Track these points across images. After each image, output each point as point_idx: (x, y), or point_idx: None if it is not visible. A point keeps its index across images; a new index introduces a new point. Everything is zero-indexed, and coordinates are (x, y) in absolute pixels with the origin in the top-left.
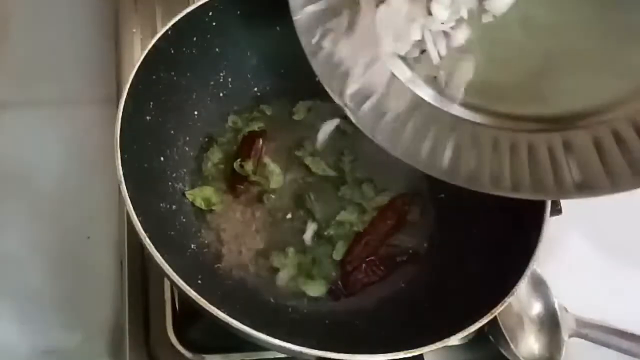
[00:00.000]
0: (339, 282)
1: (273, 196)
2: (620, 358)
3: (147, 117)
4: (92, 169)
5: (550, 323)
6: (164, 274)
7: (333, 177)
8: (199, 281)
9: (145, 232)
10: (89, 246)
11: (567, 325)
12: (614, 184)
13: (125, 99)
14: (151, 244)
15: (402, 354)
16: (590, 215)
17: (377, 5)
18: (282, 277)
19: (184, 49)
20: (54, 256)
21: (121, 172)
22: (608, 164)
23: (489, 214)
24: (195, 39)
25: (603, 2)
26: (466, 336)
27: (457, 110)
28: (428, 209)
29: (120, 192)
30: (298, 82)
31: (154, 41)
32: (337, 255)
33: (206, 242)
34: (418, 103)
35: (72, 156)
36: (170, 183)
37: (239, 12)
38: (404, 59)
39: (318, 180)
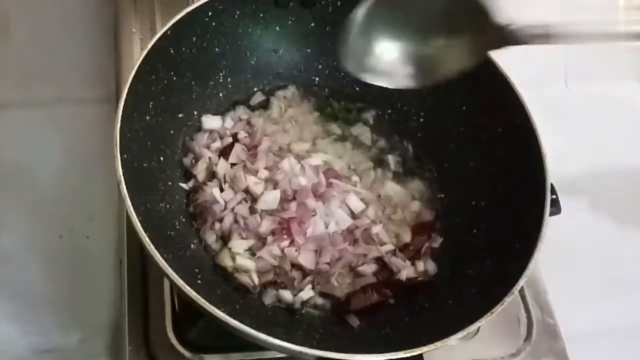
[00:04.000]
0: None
1: None
2: (620, 358)
3: (147, 117)
4: (91, 169)
5: None
6: (164, 274)
7: None
8: (199, 281)
9: (145, 232)
10: (89, 246)
11: None
12: None
13: (125, 99)
14: (151, 244)
15: (402, 354)
16: (590, 215)
17: None
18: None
19: (184, 49)
20: (53, 256)
21: (121, 172)
22: None
23: (489, 214)
24: (194, 39)
25: None
26: (466, 336)
27: None
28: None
29: (120, 192)
30: (296, 82)
31: (153, 41)
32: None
33: (206, 241)
34: None
35: (71, 156)
36: (170, 183)
37: (238, 13)
38: None
39: None
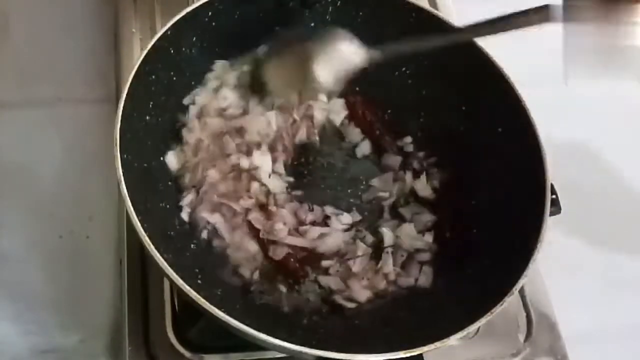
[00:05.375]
0: None
1: None
2: (620, 358)
3: (147, 117)
4: (91, 169)
5: None
6: (164, 274)
7: None
8: (199, 281)
9: (145, 232)
10: (88, 246)
11: None
12: None
13: (125, 99)
14: (151, 244)
15: (402, 354)
16: (590, 215)
17: None
18: None
19: (184, 49)
20: (53, 256)
21: (121, 172)
22: None
23: (489, 214)
24: (194, 39)
25: None
26: (466, 336)
27: None
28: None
29: (119, 191)
30: None
31: (153, 41)
32: None
33: (206, 241)
34: None
35: (71, 156)
36: (170, 183)
37: (238, 13)
38: None
39: None
